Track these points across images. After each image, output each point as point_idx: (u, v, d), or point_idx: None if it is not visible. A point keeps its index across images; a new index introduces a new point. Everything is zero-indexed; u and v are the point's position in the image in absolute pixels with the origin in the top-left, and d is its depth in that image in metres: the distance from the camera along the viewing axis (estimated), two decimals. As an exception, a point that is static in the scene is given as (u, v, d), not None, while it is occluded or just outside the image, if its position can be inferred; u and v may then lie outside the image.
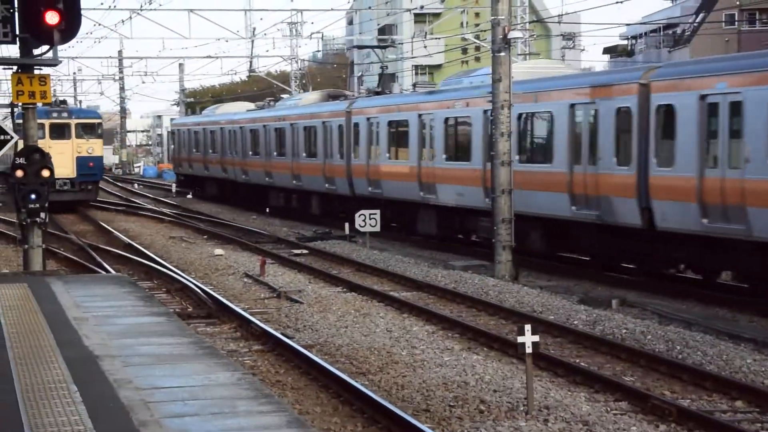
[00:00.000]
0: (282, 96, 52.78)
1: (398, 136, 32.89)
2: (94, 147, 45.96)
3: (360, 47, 47.15)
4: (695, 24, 60.19)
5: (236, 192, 50.74)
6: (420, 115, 31.17)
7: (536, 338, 12.87)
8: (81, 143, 45.31)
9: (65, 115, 45.59)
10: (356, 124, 35.65)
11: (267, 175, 44.57)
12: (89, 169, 45.38)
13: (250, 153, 46.66)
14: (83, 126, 46.01)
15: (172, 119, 63.47)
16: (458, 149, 29.37)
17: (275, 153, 43.47)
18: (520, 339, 12.85)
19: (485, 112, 26.71)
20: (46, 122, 43.70)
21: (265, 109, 47.77)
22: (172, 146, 62.19)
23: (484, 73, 28.51)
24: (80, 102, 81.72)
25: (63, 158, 42.83)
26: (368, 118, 34.64)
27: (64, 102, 48.99)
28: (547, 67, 29.09)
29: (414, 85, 38.20)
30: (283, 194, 43.77)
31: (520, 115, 25.67)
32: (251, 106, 53.65)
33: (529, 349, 12.74)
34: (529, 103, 25.45)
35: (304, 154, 40.26)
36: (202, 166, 55.93)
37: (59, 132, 44.95)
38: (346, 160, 36.24)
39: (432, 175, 30.20)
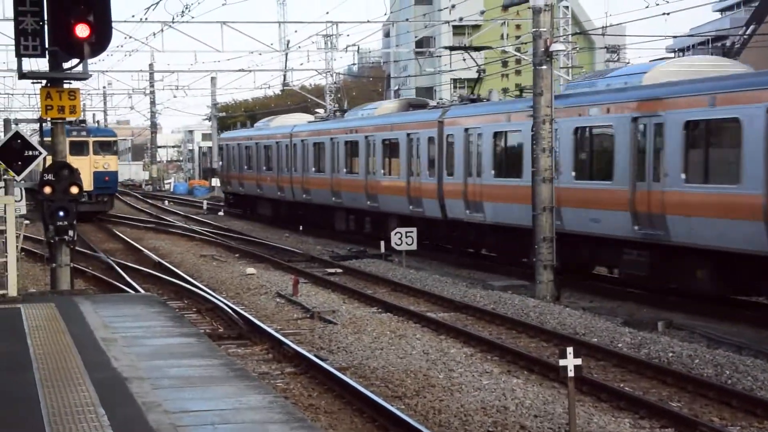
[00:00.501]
0: (326, 108, 51.23)
1: (507, 149, 28.25)
2: (109, 163, 50.37)
3: (453, 48, 44.21)
4: (745, 36, 59.51)
5: (294, 213, 46.44)
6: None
7: (579, 361, 12.53)
8: (98, 159, 49.59)
9: (84, 133, 49.75)
10: (449, 136, 31.09)
11: (334, 194, 40.08)
12: (105, 183, 49.64)
13: (313, 170, 42.40)
14: (100, 144, 50.45)
15: (219, 137, 59.55)
16: (594, 166, 24.48)
17: (345, 170, 39.00)
18: (561, 362, 12.52)
19: (634, 120, 22.51)
20: (66, 140, 44.88)
21: (332, 120, 43.56)
22: (221, 163, 58.19)
23: (627, 73, 25.05)
24: (98, 122, 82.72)
25: (81, 173, 44.44)
26: (466, 129, 30.03)
27: (83, 121, 52.88)
28: (708, 64, 23.80)
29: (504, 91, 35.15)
30: (354, 216, 39.09)
31: (687, 123, 21.07)
32: (309, 117, 51.33)
33: (571, 373, 12.39)
34: (702, 107, 20.68)
35: (381, 171, 35.90)
36: (255, 184, 51.42)
37: (78, 149, 48.19)
38: (438, 178, 31.68)
39: (557, 197, 23.97)
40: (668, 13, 34.33)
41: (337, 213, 40.66)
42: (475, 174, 29.63)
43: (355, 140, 38.11)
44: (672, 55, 79.34)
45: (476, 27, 67.64)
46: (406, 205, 33.90)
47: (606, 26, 47.23)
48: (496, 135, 28.60)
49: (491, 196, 28.61)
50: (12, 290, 16.36)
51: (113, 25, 17.65)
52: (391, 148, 35.28)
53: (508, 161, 28.18)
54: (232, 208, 56.88)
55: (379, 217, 36.76)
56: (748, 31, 64.73)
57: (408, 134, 33.76)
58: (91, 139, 50.06)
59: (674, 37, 66.58)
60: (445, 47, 41.60)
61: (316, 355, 16.56)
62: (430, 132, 32.12)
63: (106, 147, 50.84)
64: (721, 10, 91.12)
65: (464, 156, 30.06)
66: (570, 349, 12.55)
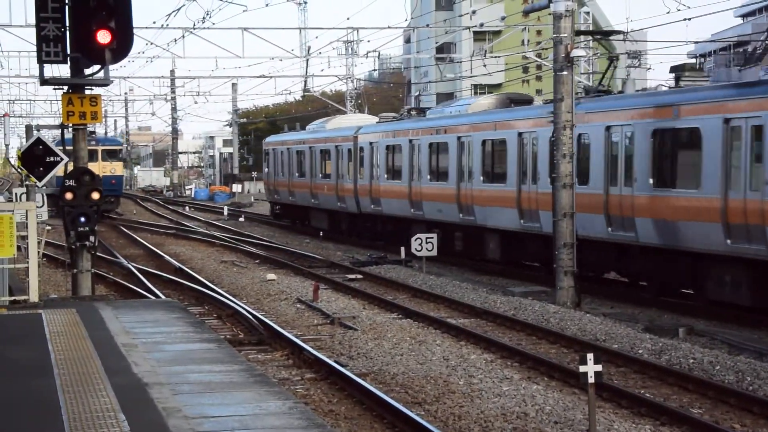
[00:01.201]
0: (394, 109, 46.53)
1: (675, 151, 22.61)
2: (116, 168, 57.83)
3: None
4: (767, 42, 59.34)
5: (358, 227, 41.20)
6: (727, 121, 20.84)
7: (599, 368, 12.51)
8: (106, 165, 55.90)
9: (93, 142, 54.96)
10: (584, 136, 25.24)
11: (413, 205, 34.78)
12: (112, 185, 54.74)
13: (385, 176, 37.00)
14: (108, 152, 57.87)
15: (264, 141, 54.79)
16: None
17: (428, 176, 33.74)
18: (582, 368, 12.50)
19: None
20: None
21: (409, 120, 37.65)
22: (266, 170, 53.46)
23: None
24: (107, 132, 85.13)
25: None
26: (608, 127, 24.40)
27: (93, 132, 58.56)
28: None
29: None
30: (441, 230, 32.78)
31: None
32: (369, 118, 46.90)
33: (591, 379, 12.38)
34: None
35: (481, 179, 30.36)
36: (308, 193, 45.64)
37: (89, 156, 51.24)
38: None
39: (759, 212, 19.85)
40: (689, 19, 34.24)
41: (416, 227, 34.36)
42: (622, 182, 24.00)
43: (443, 141, 32.78)
44: (693, 60, 79.11)
45: (497, 33, 67.57)
46: (515, 218, 28.38)
47: (627, 32, 47.06)
48: (656, 133, 22.86)
49: (648, 210, 22.99)
50: (33, 296, 16.42)
51: (135, 31, 17.70)
52: (494, 151, 30.05)
53: (678, 167, 22.61)
54: (279, 219, 52.58)
55: (474, 232, 31.24)
56: (770, 37, 64.38)
57: (520, 133, 28.24)
58: (99, 148, 56.62)
59: (696, 42, 66.33)
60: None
61: (336, 361, 16.54)
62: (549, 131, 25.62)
63: (113, 154, 58.39)
64: (743, 16, 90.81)
65: (605, 160, 24.46)
66: (590, 356, 12.53)
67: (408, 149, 35.13)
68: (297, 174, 47.36)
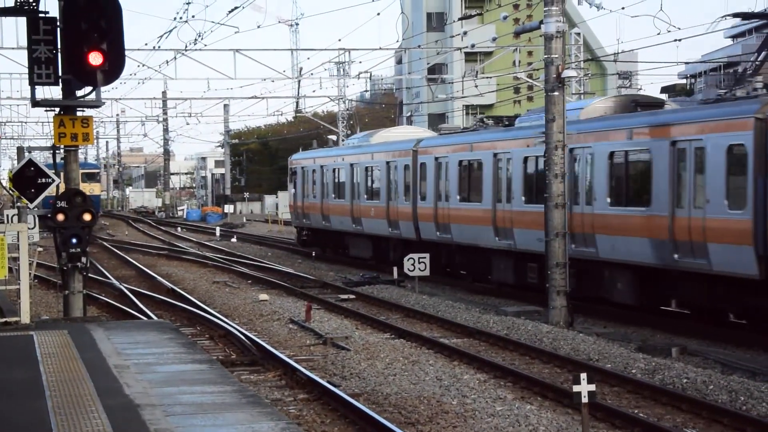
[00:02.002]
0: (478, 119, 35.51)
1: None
2: (94, 188, 65.28)
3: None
4: (757, 63, 59.39)
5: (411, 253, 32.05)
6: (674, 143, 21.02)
7: (593, 387, 12.49)
8: (84, 186, 63.74)
9: None
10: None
11: (498, 233, 28.30)
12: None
13: (458, 198, 30.91)
14: (86, 174, 63.86)
15: (290, 158, 48.55)
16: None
17: (523, 198, 27.24)
18: (575, 388, 12.47)
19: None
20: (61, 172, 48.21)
21: (493, 130, 30.88)
22: (293, 191, 46.91)
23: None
24: (86, 158, 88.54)
25: None
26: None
27: None
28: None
29: None
30: (536, 264, 26.35)
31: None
32: (418, 130, 42.29)
33: (585, 399, 12.35)
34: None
35: (607, 200, 24.01)
36: (348, 217, 39.73)
37: None
38: (753, 212, 19.61)
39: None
40: (680, 40, 34.27)
41: (501, 260, 28.76)
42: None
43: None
44: (683, 81, 79.46)
45: (488, 54, 67.78)
46: (663, 250, 21.97)
47: (618, 52, 47.32)
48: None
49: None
50: (25, 317, 16.37)
51: (126, 53, 17.71)
52: (629, 165, 23.59)
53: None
54: (307, 246, 46.03)
55: (593, 268, 24.73)
56: (760, 58, 64.74)
57: (674, 142, 21.68)
58: (80, 171, 62.85)
59: (686, 63, 66.60)
60: None
61: (329, 381, 16.48)
62: (729, 137, 20.16)
63: (92, 177, 68.15)
64: (733, 37, 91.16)
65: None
66: (584, 375, 12.50)
67: (492, 165, 28.91)
68: (333, 195, 41.47)
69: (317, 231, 44.38)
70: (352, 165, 39.59)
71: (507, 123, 31.58)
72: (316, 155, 45.38)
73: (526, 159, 27.28)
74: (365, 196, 38.27)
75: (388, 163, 36.28)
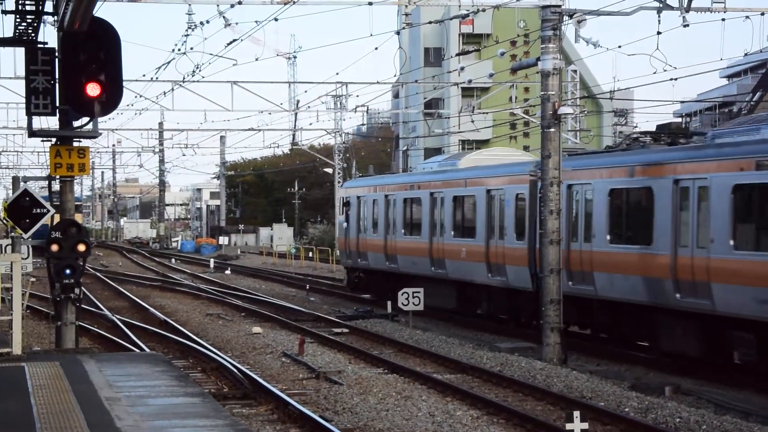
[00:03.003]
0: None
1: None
2: (77, 218, 73.29)
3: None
4: (752, 102, 59.88)
5: (530, 309, 27.07)
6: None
7: (585, 425, 12.48)
8: None
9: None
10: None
11: (679, 287, 21.23)
12: None
13: (608, 238, 23.90)
14: None
15: (341, 185, 42.61)
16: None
17: (731, 241, 19.90)
18: (568, 426, 12.46)
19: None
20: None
21: (659, 150, 23.46)
22: (345, 224, 39.52)
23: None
24: (92, 183, 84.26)
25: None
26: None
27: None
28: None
29: None
30: (757, 334, 19.61)
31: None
32: (523, 154, 35.65)
33: (579, 438, 12.26)
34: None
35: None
36: (425, 258, 32.41)
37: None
38: None
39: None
40: (676, 79, 34.31)
41: (675, 324, 21.91)
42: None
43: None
44: (678, 119, 79.75)
45: (485, 89, 67.98)
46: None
47: (614, 90, 47.44)
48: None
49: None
50: (17, 348, 16.29)
51: (124, 84, 17.74)
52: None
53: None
54: (360, 291, 39.32)
55: None
56: (755, 98, 65.18)
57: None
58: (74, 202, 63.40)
59: (682, 102, 66.83)
60: None
61: (321, 416, 16.41)
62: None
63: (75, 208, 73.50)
64: (729, 77, 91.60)
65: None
66: (577, 413, 12.49)
67: (670, 195, 21.75)
68: (404, 231, 34.29)
69: (376, 273, 36.95)
70: (432, 194, 32.40)
71: (683, 140, 24.11)
72: (379, 182, 37.93)
73: (738, 189, 19.91)
74: (452, 233, 31.14)
75: (489, 191, 29.18)
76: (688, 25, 23.95)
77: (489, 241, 28.95)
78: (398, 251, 34.74)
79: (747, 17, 25.23)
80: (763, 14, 25.19)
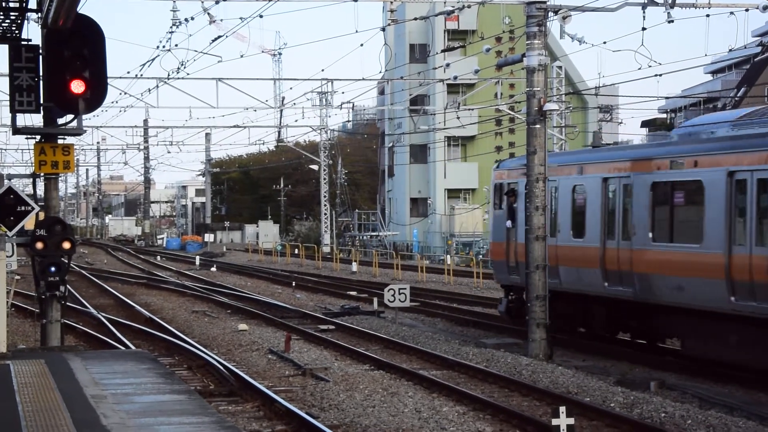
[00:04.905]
0: None
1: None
2: None
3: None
4: (736, 98, 60.16)
5: None
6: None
7: (571, 421, 12.50)
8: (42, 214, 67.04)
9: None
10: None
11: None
12: None
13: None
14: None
15: (494, 167, 29.52)
16: None
17: None
18: (554, 421, 12.49)
19: None
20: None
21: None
22: (508, 224, 27.36)
23: None
24: (77, 180, 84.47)
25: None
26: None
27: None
28: None
29: None
30: None
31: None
32: None
33: (565, 433, 12.29)
34: None
35: None
36: (717, 282, 19.73)
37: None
38: None
39: None
40: (661, 75, 34.41)
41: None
42: None
43: None
44: (663, 115, 80.00)
45: (470, 86, 68.04)
46: None
47: (599, 86, 47.60)
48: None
49: None
50: (1, 346, 16.24)
51: (109, 81, 17.68)
52: None
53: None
54: (517, 319, 26.61)
55: None
56: (739, 94, 65.47)
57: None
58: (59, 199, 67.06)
59: (666, 98, 67.09)
60: None
61: (307, 413, 16.39)
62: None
63: None
64: (713, 72, 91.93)
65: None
66: (563, 409, 12.52)
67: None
68: (655, 234, 21.91)
69: (575, 298, 25.00)
70: (746, 176, 19.41)
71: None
72: (587, 158, 25.41)
73: None
74: None
75: None
76: (672, 21, 24.06)
77: None
78: (642, 266, 22.26)
79: (731, 13, 25.34)
80: (747, 10, 25.30)
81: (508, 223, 27.37)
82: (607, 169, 23.79)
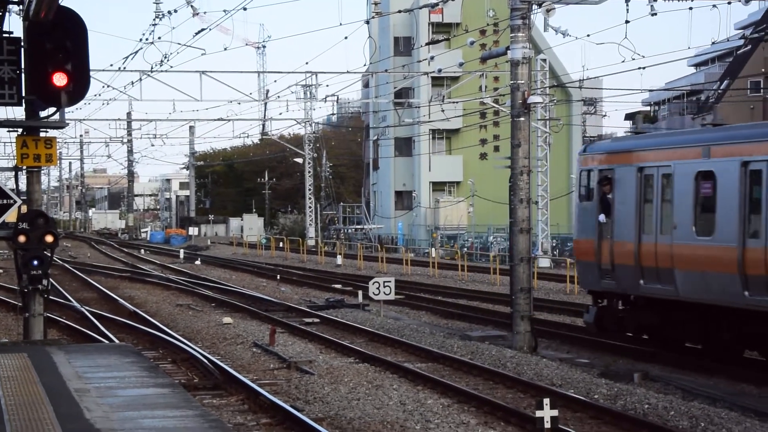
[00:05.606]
0: None
1: None
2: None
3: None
4: (720, 91, 60.38)
5: None
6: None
7: (555, 413, 12.54)
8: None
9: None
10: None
11: None
12: None
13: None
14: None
15: (581, 151, 24.91)
16: None
17: None
18: (538, 413, 12.53)
19: None
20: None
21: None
22: (603, 219, 22.92)
23: None
24: (60, 173, 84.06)
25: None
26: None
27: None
28: None
29: None
30: None
31: None
32: None
33: (547, 424, 12.41)
34: None
35: None
36: None
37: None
38: None
39: None
40: (644, 68, 34.46)
41: None
42: None
43: None
44: (647, 108, 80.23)
45: (455, 78, 68.04)
46: None
47: (583, 79, 47.68)
48: None
49: None
50: (-16, 340, 16.19)
51: (91, 74, 17.62)
52: None
53: None
54: (618, 333, 23.62)
55: None
56: (723, 86, 65.69)
57: None
58: (41, 192, 69.96)
59: (650, 90, 67.25)
60: None
61: (292, 406, 16.40)
62: None
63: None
64: (696, 65, 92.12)
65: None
66: (547, 401, 12.54)
67: None
68: None
69: (691, 307, 21.07)
70: None
71: None
72: (717, 137, 20.57)
73: None
74: None
75: None
76: (656, 14, 24.11)
77: None
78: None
79: (714, 6, 25.42)
80: (729, 3, 25.38)
81: (601, 218, 23.09)
82: (749, 151, 19.12)
